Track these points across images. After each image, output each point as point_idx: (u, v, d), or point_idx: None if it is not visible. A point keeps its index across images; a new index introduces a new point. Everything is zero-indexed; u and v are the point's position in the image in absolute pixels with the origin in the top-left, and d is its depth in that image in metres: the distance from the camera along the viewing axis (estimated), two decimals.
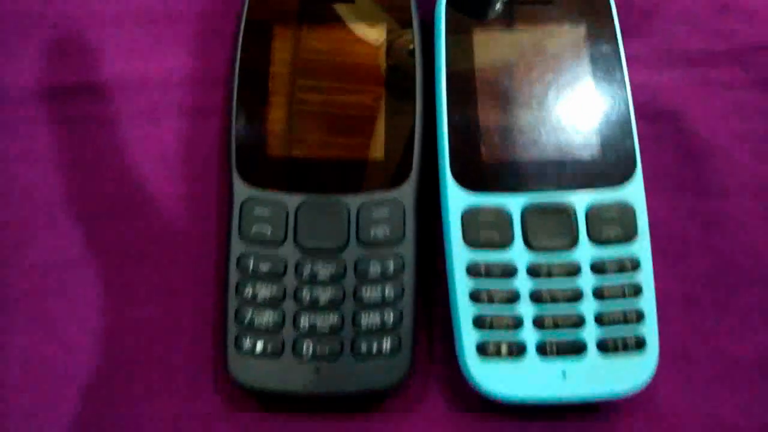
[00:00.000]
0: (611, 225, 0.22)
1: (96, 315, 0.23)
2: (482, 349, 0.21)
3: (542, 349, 0.21)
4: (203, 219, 0.24)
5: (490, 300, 0.21)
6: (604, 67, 0.24)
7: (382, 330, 0.21)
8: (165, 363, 0.23)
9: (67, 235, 0.24)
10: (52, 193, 0.24)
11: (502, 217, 0.22)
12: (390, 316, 0.21)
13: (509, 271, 0.22)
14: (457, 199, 0.22)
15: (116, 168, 0.25)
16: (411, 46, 0.24)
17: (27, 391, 0.22)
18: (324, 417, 0.22)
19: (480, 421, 0.22)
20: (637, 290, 0.22)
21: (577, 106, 0.23)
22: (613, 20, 0.24)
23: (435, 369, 0.23)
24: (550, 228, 0.22)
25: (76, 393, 0.22)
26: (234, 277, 0.21)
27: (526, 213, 0.22)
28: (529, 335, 0.21)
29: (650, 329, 0.22)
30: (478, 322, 0.21)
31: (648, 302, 0.22)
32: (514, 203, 0.22)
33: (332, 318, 0.21)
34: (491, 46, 0.24)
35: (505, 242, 0.22)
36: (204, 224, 0.24)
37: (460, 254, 0.22)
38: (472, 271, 0.22)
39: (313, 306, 0.21)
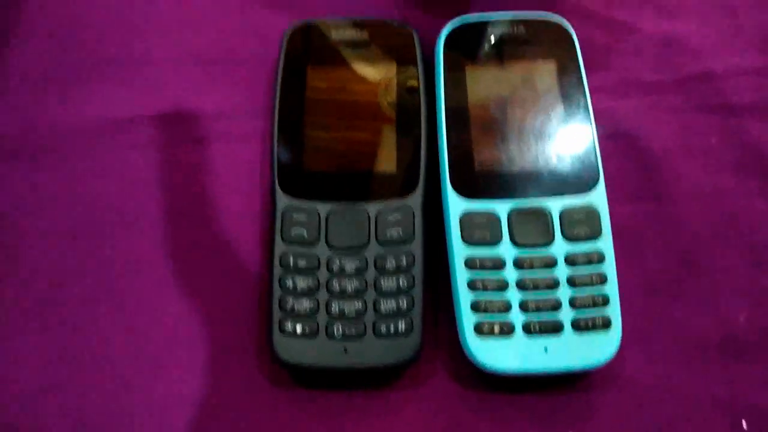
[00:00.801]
0: (580, 225, 0.26)
1: (162, 303, 0.27)
2: (479, 329, 0.25)
3: (527, 329, 0.25)
4: (247, 225, 0.28)
5: (484, 288, 0.25)
6: (571, 96, 0.28)
7: (397, 314, 0.25)
8: (215, 344, 0.26)
9: (143, 238, 0.28)
10: (127, 205, 0.28)
11: (492, 219, 0.26)
12: (404, 303, 0.25)
13: (499, 264, 0.25)
14: (455, 205, 0.26)
15: (177, 184, 0.29)
16: (416, 82, 0.28)
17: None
18: (349, 393, 0.26)
19: (477, 391, 0.26)
20: (603, 279, 0.25)
21: (551, 128, 0.27)
22: (577, 56, 0.29)
23: (440, 348, 0.26)
24: (531, 228, 0.26)
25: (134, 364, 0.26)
26: (277, 271, 0.26)
27: (511, 215, 0.26)
28: (517, 317, 0.25)
29: (615, 311, 0.25)
30: (475, 307, 0.25)
31: (612, 289, 0.25)
32: (501, 208, 0.26)
33: (357, 304, 0.25)
34: (481, 80, 0.28)
35: (495, 240, 0.26)
36: (248, 229, 0.28)
37: (459, 250, 0.26)
38: (469, 264, 0.25)
39: (342, 295, 0.25)
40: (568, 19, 0.29)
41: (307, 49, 0.29)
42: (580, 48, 0.29)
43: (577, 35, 0.29)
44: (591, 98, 0.28)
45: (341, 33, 0.29)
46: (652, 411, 0.25)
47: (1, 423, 0.25)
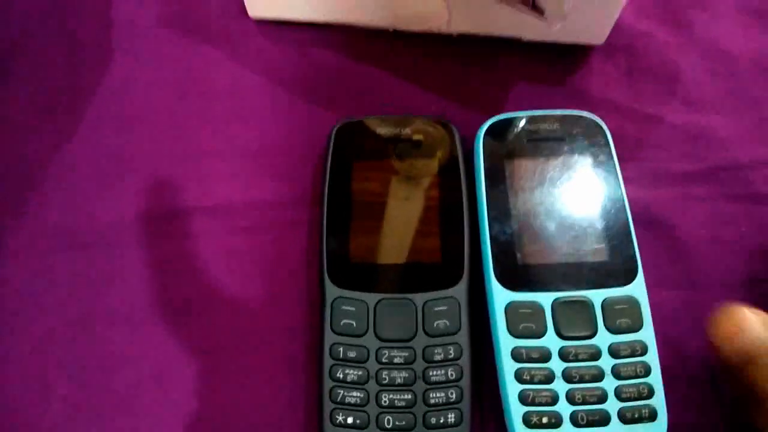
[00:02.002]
0: (623, 316, 0.26)
1: (212, 391, 0.28)
2: (527, 421, 0.25)
3: (575, 421, 0.25)
4: (297, 313, 0.29)
5: (531, 380, 0.26)
6: (607, 188, 0.29)
7: (447, 405, 0.26)
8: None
9: (195, 325, 0.29)
10: (180, 292, 0.30)
11: (537, 311, 0.27)
12: (453, 394, 0.26)
13: (545, 356, 0.26)
14: (500, 297, 0.27)
15: (227, 272, 0.30)
16: (458, 176, 0.30)
17: None
18: None
19: None
20: (647, 370, 0.26)
21: (590, 219, 0.28)
22: (611, 150, 0.30)
23: None
24: (575, 319, 0.26)
25: None
26: (328, 362, 0.26)
27: (555, 307, 0.27)
28: (564, 408, 0.25)
29: (659, 402, 0.25)
30: (523, 399, 0.25)
31: (656, 380, 0.26)
32: (545, 299, 0.27)
33: (407, 396, 0.26)
34: (520, 173, 0.29)
35: (541, 332, 0.26)
36: (293, 318, 0.29)
37: (505, 342, 0.26)
38: (515, 356, 0.26)
39: (391, 386, 0.26)
40: (597, 114, 0.31)
41: (354, 145, 0.31)
42: (613, 140, 0.30)
43: (610, 129, 0.31)
44: (625, 189, 0.29)
45: (386, 129, 0.31)
46: None
47: None
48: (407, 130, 0.31)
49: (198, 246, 0.31)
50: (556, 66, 0.34)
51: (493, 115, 0.31)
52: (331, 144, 0.30)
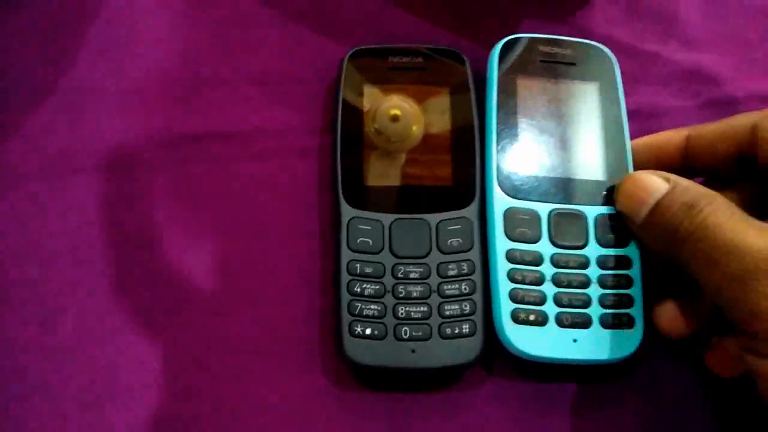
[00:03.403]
0: (613, 231, 0.28)
1: (230, 311, 0.29)
2: (515, 317, 0.27)
3: (559, 321, 0.27)
4: (310, 235, 0.30)
5: (523, 280, 0.27)
6: (610, 115, 0.30)
7: (461, 317, 0.27)
8: (282, 352, 0.28)
9: (207, 248, 0.30)
10: (194, 217, 0.30)
11: (534, 218, 0.28)
12: (467, 306, 0.27)
13: (538, 260, 0.27)
14: (500, 203, 0.28)
15: (242, 196, 0.30)
16: (468, 101, 0.30)
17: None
18: (410, 395, 0.27)
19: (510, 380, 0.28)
20: (630, 281, 0.27)
21: (591, 142, 0.29)
22: (617, 80, 0.31)
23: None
24: (569, 230, 0.28)
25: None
26: (345, 278, 0.27)
27: (551, 217, 0.28)
28: (550, 309, 0.27)
29: (638, 312, 0.27)
30: (513, 297, 0.27)
31: (637, 291, 0.27)
32: (543, 209, 0.28)
33: (423, 308, 0.27)
34: (530, 93, 0.30)
35: (536, 238, 0.28)
36: (311, 239, 0.30)
37: (501, 244, 0.27)
38: (510, 257, 0.27)
39: (407, 299, 0.27)
40: None
41: (366, 71, 0.31)
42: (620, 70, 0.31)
43: None
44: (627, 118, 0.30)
45: (397, 57, 0.31)
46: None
47: None
48: (419, 59, 0.31)
49: (211, 170, 0.31)
50: (560, 3, 0.35)
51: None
52: (344, 70, 0.31)
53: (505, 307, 0.27)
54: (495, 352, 0.28)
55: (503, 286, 0.27)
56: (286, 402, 0.27)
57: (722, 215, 0.23)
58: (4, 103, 0.31)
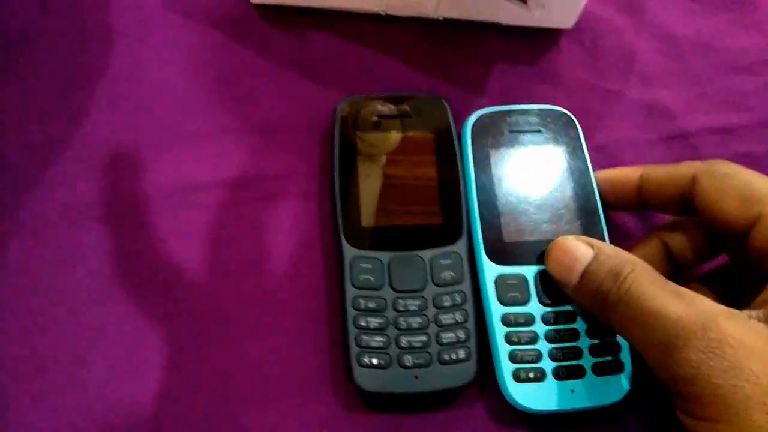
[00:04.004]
0: None
1: (245, 345, 0.31)
2: (516, 377, 0.29)
3: (556, 375, 0.29)
4: (313, 271, 0.32)
5: (519, 341, 0.29)
6: (577, 173, 0.32)
7: (456, 344, 0.29)
8: (295, 379, 0.30)
9: (221, 288, 0.32)
10: (207, 260, 0.32)
11: (521, 282, 0.30)
12: (461, 334, 0.30)
13: (529, 320, 0.30)
14: (490, 271, 0.30)
15: (246, 237, 0.33)
16: (452, 145, 0.33)
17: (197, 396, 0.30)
18: (413, 415, 0.30)
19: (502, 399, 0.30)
20: (613, 330, 0.29)
21: (564, 201, 0.32)
22: (580, 139, 0.33)
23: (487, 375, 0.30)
24: (555, 289, 0.30)
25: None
26: (351, 313, 0.30)
27: (537, 278, 0.30)
28: (547, 365, 0.29)
29: (626, 356, 0.30)
30: (512, 358, 0.29)
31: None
32: (529, 271, 0.30)
33: (422, 337, 0.29)
34: (503, 162, 0.33)
35: (525, 300, 0.30)
36: (314, 275, 0.32)
37: (495, 309, 0.30)
38: (505, 321, 0.30)
39: (408, 329, 0.29)
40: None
41: (358, 119, 0.34)
42: (577, 118, 0.34)
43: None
44: (591, 160, 0.33)
45: (386, 105, 0.34)
46: None
47: None
48: (405, 106, 0.34)
49: (217, 216, 0.33)
50: (530, 47, 0.39)
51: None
52: (338, 118, 0.33)
53: (506, 368, 0.29)
54: (486, 374, 0.30)
55: (502, 349, 0.29)
56: (302, 425, 0.30)
57: (645, 282, 0.25)
58: (25, 155, 0.34)
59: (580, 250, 0.28)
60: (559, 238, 0.29)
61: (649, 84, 0.39)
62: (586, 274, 0.27)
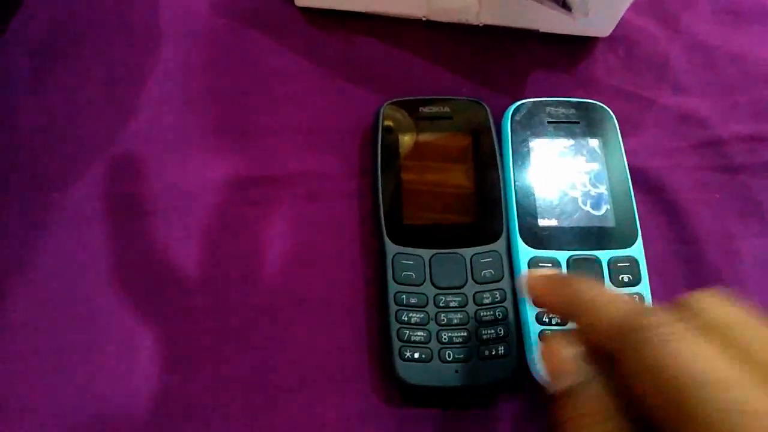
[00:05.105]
0: (624, 272, 0.31)
1: (287, 339, 0.32)
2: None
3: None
4: (353, 267, 0.33)
5: (549, 322, 0.30)
6: (615, 166, 0.34)
7: (496, 340, 0.30)
8: (336, 373, 0.31)
9: (265, 283, 0.33)
10: (253, 255, 0.33)
11: (555, 265, 0.31)
12: (501, 330, 0.30)
13: None
14: (524, 253, 0.32)
15: (289, 235, 0.34)
16: (492, 148, 0.34)
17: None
18: (450, 411, 0.31)
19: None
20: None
21: (600, 191, 0.33)
22: (617, 134, 0.35)
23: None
24: (587, 274, 0.31)
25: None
26: (393, 308, 0.30)
27: (570, 263, 0.31)
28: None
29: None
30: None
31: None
32: (562, 256, 0.32)
33: (463, 333, 0.30)
34: (542, 151, 0.34)
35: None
36: (354, 271, 0.33)
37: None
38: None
39: (449, 325, 0.30)
40: (601, 97, 0.36)
41: (401, 121, 0.35)
42: (618, 122, 0.35)
43: (612, 110, 0.36)
44: (627, 163, 0.34)
45: (428, 107, 0.35)
46: None
47: None
48: (446, 109, 0.35)
49: (263, 211, 0.34)
50: (566, 54, 0.39)
51: (516, 97, 0.36)
52: (381, 120, 0.34)
53: (535, 343, 0.30)
54: (524, 371, 0.31)
55: (533, 328, 0.31)
56: (342, 417, 0.31)
57: None
58: (73, 149, 0.35)
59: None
60: (551, 337, 0.24)
61: (681, 92, 0.39)
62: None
